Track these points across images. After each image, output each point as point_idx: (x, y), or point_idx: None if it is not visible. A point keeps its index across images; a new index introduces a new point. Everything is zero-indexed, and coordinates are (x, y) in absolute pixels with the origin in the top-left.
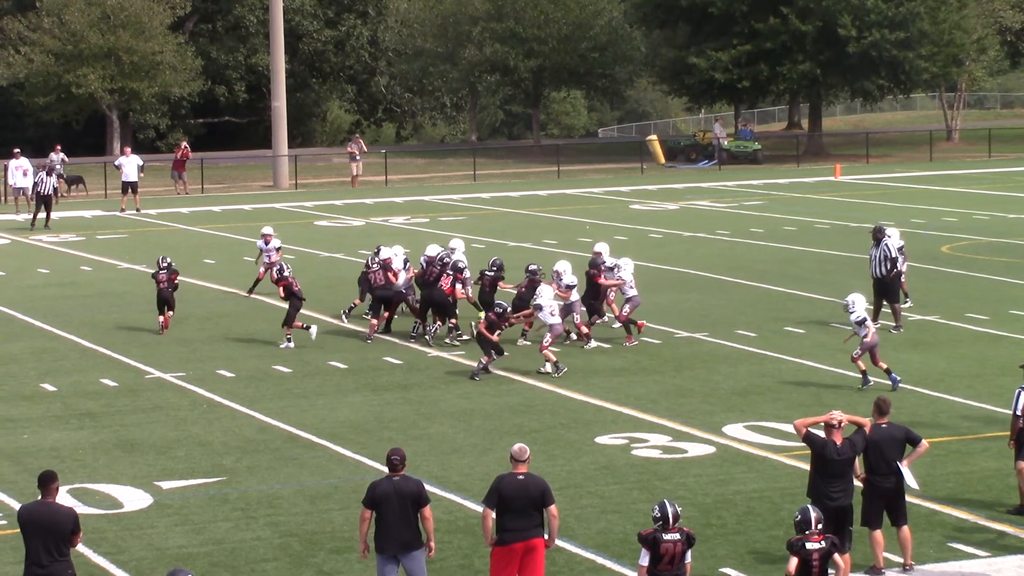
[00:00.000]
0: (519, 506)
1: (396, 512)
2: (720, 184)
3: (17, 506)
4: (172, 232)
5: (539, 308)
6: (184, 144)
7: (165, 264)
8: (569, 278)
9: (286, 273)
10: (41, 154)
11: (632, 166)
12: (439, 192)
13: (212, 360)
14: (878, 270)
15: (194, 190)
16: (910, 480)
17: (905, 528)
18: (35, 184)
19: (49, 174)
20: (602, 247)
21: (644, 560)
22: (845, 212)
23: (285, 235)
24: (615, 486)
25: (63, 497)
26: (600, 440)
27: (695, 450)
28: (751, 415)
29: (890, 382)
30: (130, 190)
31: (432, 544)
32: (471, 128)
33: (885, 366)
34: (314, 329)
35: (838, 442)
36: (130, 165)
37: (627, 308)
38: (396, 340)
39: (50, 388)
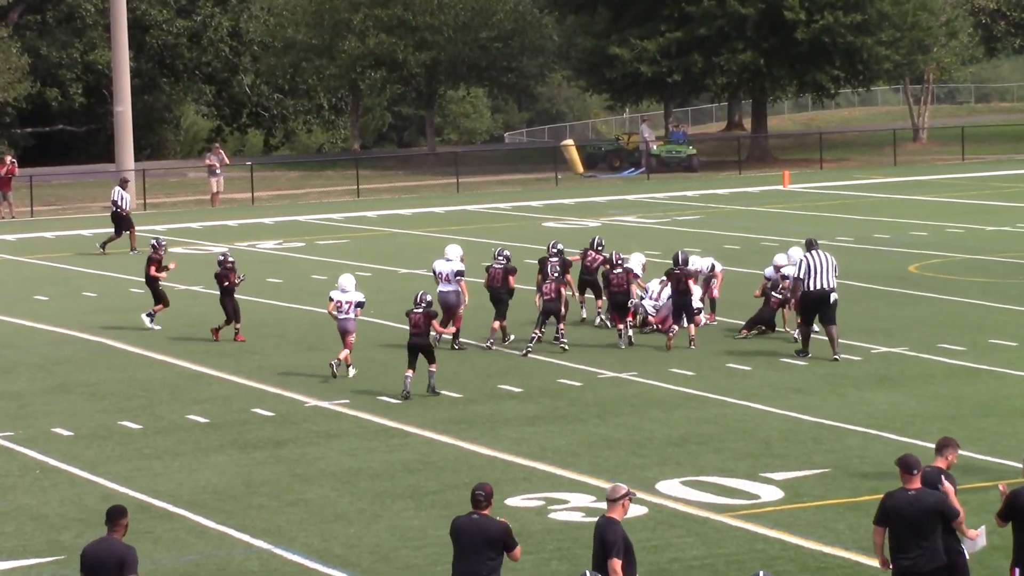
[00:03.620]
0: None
1: (467, 551)
2: (649, 196)
3: None
4: None
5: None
6: (9, 159)
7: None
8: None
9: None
10: None
11: (545, 176)
12: (316, 211)
13: (47, 416)
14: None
15: (22, 213)
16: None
17: None
18: None
19: None
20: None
21: None
22: (795, 227)
23: (133, 266)
24: (530, 555)
25: None
26: (511, 502)
27: None
28: (689, 469)
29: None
30: None
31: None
32: (353, 135)
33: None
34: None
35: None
36: None
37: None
38: (269, 387)
39: None
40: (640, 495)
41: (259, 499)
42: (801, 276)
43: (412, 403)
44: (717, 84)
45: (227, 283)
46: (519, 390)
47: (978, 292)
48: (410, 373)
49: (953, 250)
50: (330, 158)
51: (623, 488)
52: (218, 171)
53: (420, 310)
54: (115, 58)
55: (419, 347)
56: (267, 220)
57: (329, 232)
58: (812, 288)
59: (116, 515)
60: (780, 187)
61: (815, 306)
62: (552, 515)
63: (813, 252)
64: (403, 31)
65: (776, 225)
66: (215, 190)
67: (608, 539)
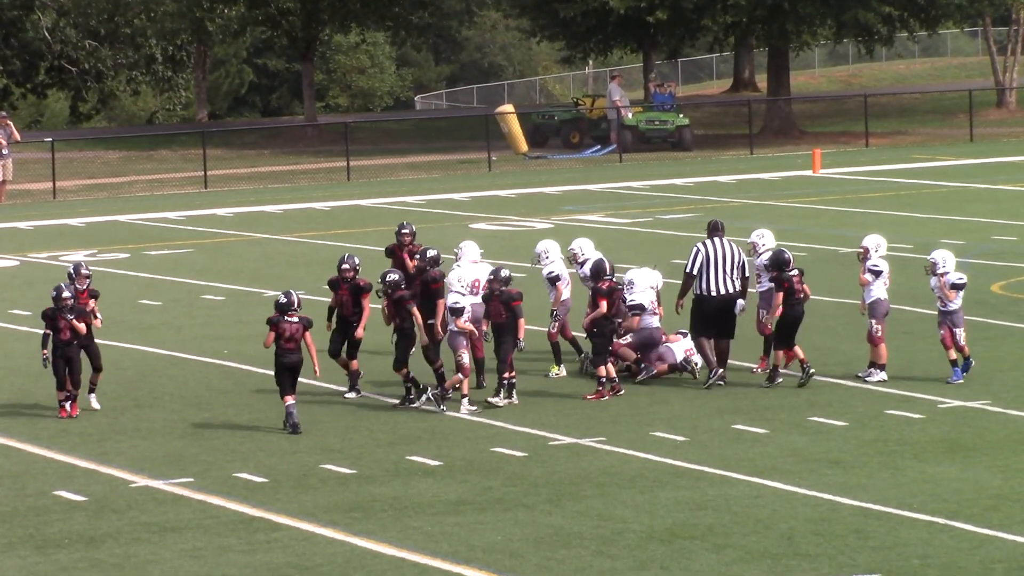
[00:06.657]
0: None
1: None
2: (622, 185)
3: None
4: None
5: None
6: None
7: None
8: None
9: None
10: None
11: (473, 158)
12: (145, 208)
13: None
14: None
15: None
16: None
17: None
18: None
19: None
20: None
21: None
22: (830, 228)
23: None
24: None
25: None
26: None
27: None
28: (680, 574)
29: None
30: None
31: None
32: (199, 98)
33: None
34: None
35: None
36: None
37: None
38: (78, 461)
39: None
40: None
41: None
42: (694, 272)
43: (284, 483)
44: (719, 25)
45: (53, 332)
46: (436, 463)
47: None
48: (292, 400)
49: None
50: (166, 131)
51: None
52: (5, 151)
53: (296, 319)
54: None
55: (296, 367)
56: (74, 221)
57: (164, 238)
58: (711, 292)
59: None
60: (808, 172)
61: (714, 317)
62: None
63: (715, 240)
64: None
65: (803, 227)
66: (1, 178)
67: None
